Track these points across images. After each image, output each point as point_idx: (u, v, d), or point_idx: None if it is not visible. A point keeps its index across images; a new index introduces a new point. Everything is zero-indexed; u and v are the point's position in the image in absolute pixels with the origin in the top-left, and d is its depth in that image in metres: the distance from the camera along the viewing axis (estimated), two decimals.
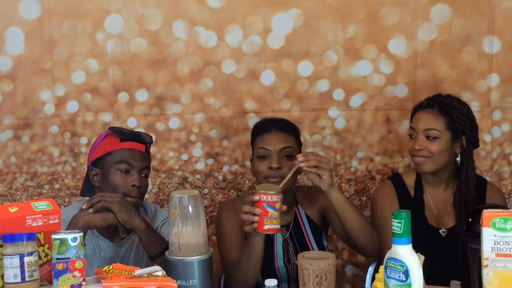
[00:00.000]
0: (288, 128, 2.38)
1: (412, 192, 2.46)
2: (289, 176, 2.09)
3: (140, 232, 2.12)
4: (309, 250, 2.32)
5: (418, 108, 2.42)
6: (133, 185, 2.23)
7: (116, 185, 2.21)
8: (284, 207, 2.00)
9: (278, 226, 1.97)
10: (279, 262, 2.33)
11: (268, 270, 2.31)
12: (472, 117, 2.40)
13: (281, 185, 2.03)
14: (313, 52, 2.82)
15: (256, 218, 1.94)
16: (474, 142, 2.39)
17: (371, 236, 2.23)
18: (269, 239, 2.34)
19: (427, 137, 2.34)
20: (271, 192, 1.94)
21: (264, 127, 2.37)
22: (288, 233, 2.36)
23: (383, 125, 2.86)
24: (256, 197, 1.95)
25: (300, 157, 2.08)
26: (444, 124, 2.33)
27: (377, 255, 2.31)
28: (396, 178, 2.50)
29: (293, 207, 2.41)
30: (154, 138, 2.84)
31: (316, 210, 2.42)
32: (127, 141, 2.27)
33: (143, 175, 2.28)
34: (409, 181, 2.48)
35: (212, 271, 1.94)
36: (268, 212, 1.94)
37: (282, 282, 2.33)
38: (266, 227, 1.94)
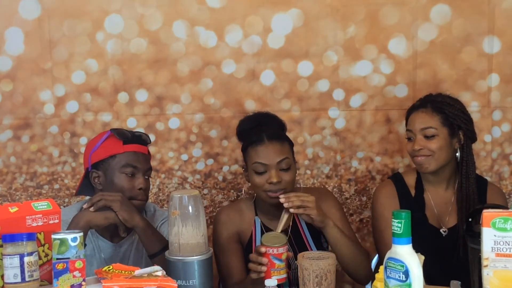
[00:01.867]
0: (280, 134, 2.34)
1: (412, 192, 2.46)
2: (283, 222, 2.12)
3: (140, 230, 2.13)
4: None
5: (412, 110, 2.43)
6: (140, 188, 2.23)
7: (122, 189, 2.20)
8: (291, 254, 2.06)
9: (285, 275, 2.03)
10: None
11: None
12: (466, 111, 2.42)
13: (278, 230, 2.09)
14: (313, 52, 2.82)
15: (263, 269, 1.99)
16: (471, 136, 2.41)
17: (364, 268, 2.26)
18: None
19: (425, 136, 2.35)
20: (276, 245, 2.00)
21: (255, 135, 2.29)
22: (287, 238, 2.34)
23: (383, 125, 2.86)
24: (263, 249, 2.00)
25: (282, 199, 2.12)
26: (440, 121, 2.34)
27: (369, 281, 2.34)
28: (396, 178, 2.50)
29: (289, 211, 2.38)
30: (154, 138, 2.86)
31: None
32: (130, 144, 2.27)
33: (146, 177, 2.29)
34: (410, 180, 2.48)
35: (212, 271, 1.95)
36: (274, 264, 2.00)
37: (284, 287, 2.32)
38: (273, 277, 1.97)
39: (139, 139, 2.30)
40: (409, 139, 2.41)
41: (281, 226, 2.13)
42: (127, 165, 2.23)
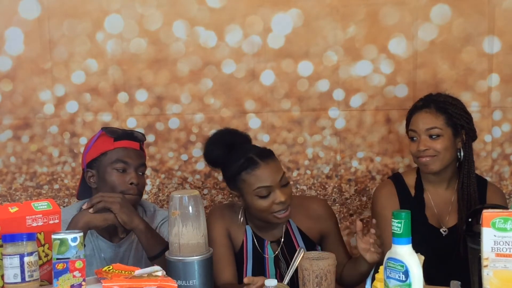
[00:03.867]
0: (267, 151, 2.25)
1: (412, 192, 2.46)
2: (292, 271, 1.95)
3: (140, 232, 2.12)
4: None
5: (414, 110, 2.42)
6: (131, 183, 2.23)
7: (114, 185, 2.21)
8: None
9: None
10: (271, 278, 2.28)
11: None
12: (466, 110, 2.42)
13: (285, 282, 1.96)
14: (313, 52, 2.82)
15: None
16: (472, 134, 2.41)
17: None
18: (259, 256, 2.30)
19: (430, 136, 2.34)
20: None
21: (243, 159, 2.16)
22: (279, 249, 2.30)
23: (383, 125, 2.86)
24: None
25: None
26: (444, 121, 2.34)
27: None
28: (396, 178, 2.50)
29: None
30: (154, 138, 2.86)
31: (312, 225, 2.32)
32: (121, 140, 2.27)
33: (140, 173, 2.29)
34: (410, 180, 2.48)
35: (212, 271, 1.95)
36: None
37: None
38: None
39: (131, 135, 2.31)
40: (412, 139, 2.40)
41: (287, 278, 1.97)
42: (117, 160, 2.24)
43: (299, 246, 2.29)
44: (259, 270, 2.28)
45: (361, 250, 2.07)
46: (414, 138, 2.39)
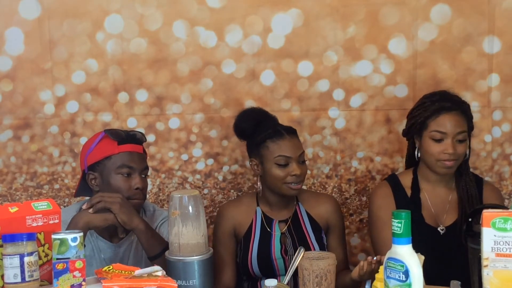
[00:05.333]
0: (293, 129, 2.43)
1: (408, 192, 2.45)
2: (292, 270, 1.98)
3: (140, 233, 2.12)
4: (308, 244, 2.36)
5: (441, 110, 2.34)
6: (137, 188, 2.23)
7: (119, 190, 2.21)
8: None
9: None
10: (276, 253, 2.36)
11: (265, 261, 2.33)
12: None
13: (285, 282, 2.00)
14: (313, 52, 2.82)
15: None
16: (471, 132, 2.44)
17: None
18: (266, 233, 2.39)
19: (458, 140, 2.32)
20: None
21: (271, 130, 2.37)
22: (286, 228, 2.40)
23: (383, 125, 2.86)
24: None
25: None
26: (467, 124, 2.36)
27: None
28: (392, 179, 2.50)
29: (292, 203, 2.44)
30: (154, 138, 2.86)
31: (321, 213, 2.45)
32: (125, 144, 2.26)
33: (143, 176, 2.29)
34: (406, 181, 2.47)
35: (213, 271, 1.95)
36: None
37: (280, 275, 2.34)
38: None
39: (134, 138, 2.30)
40: (438, 140, 2.33)
41: (287, 277, 2.01)
42: (122, 165, 2.23)
43: (306, 227, 2.41)
44: (265, 245, 2.37)
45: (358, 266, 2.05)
46: (440, 140, 2.33)
